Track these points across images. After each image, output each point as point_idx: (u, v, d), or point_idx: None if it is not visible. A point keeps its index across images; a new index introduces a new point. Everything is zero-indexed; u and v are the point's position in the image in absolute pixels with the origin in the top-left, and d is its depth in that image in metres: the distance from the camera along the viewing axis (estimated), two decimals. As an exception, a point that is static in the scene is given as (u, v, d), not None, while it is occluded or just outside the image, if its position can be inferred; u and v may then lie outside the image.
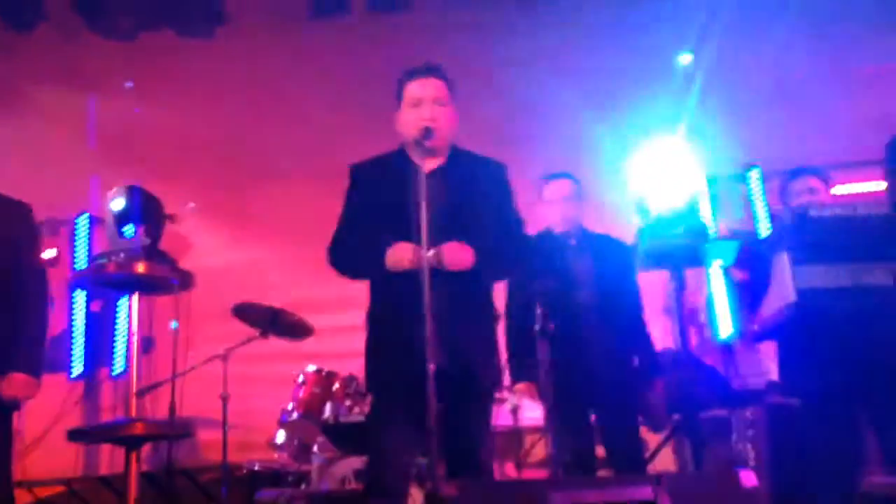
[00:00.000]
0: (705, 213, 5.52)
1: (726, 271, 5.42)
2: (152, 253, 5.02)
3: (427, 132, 2.64)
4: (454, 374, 2.59)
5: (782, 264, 3.71)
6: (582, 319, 3.72)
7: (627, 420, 3.77)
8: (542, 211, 3.89)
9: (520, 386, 3.82)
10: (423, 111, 2.70)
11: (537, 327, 3.57)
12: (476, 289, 2.71)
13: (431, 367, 2.40)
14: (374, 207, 2.74)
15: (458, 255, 2.59)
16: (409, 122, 2.73)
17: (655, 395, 4.00)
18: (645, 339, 3.92)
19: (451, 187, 2.73)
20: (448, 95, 2.77)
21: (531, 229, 3.81)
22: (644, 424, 4.27)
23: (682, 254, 4.98)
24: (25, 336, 3.01)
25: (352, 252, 2.78)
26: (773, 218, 5.46)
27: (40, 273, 3.17)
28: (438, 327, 2.52)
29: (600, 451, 3.85)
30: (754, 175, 5.74)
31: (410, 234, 2.53)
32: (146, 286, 5.11)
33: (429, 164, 2.69)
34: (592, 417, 3.78)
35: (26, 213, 3.22)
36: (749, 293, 5.21)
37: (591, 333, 3.71)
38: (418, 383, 2.43)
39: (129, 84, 6.17)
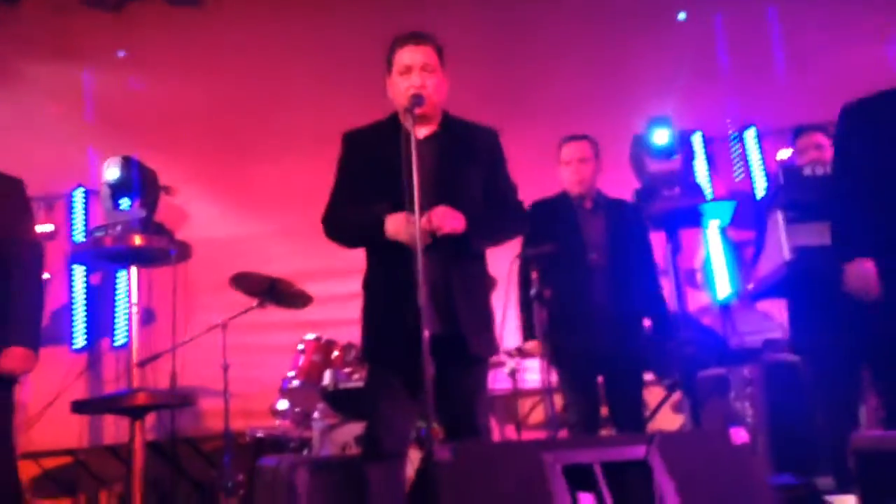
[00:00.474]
0: (701, 174, 5.53)
1: (723, 232, 5.44)
2: (149, 225, 5.00)
3: (416, 99, 2.63)
4: (449, 341, 2.61)
5: (776, 223, 3.73)
6: (591, 281, 3.74)
7: (630, 382, 3.80)
8: (560, 172, 3.89)
9: (529, 344, 3.86)
10: (412, 78, 2.69)
11: (532, 292, 3.62)
12: (469, 255, 2.71)
13: (426, 333, 2.41)
14: (367, 175, 2.74)
15: (447, 219, 2.59)
16: (398, 89, 2.72)
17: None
18: (659, 300, 3.94)
19: (443, 154, 2.73)
20: (438, 62, 2.75)
21: (548, 191, 3.86)
22: (660, 383, 4.33)
23: (678, 214, 5.01)
24: (21, 310, 3.02)
25: (346, 221, 2.78)
26: (768, 178, 5.46)
27: (34, 247, 3.17)
28: (433, 294, 2.54)
29: (605, 410, 3.90)
30: (750, 135, 5.72)
31: (403, 201, 2.53)
32: (144, 258, 5.10)
33: (420, 131, 2.69)
34: (599, 378, 3.82)
35: (18, 187, 3.21)
36: (745, 253, 5.25)
37: (600, 295, 3.73)
38: (414, 350, 2.45)
39: (121, 53, 6.11)
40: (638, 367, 3.85)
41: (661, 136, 4.74)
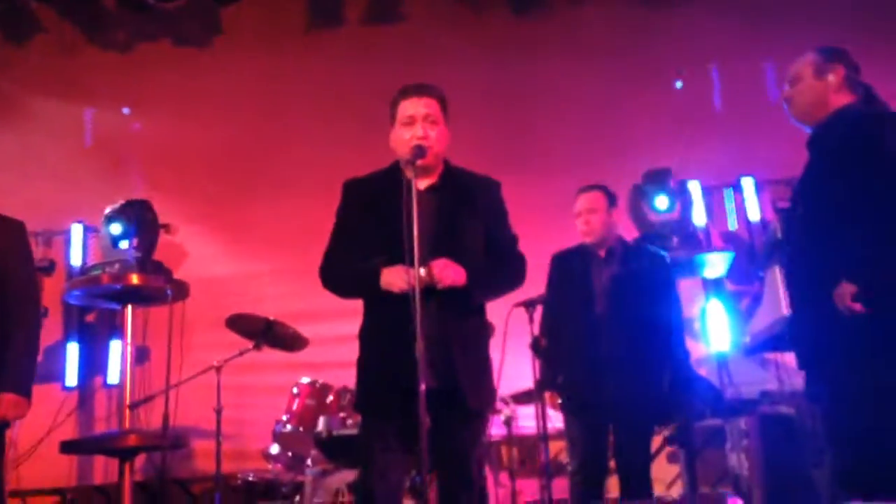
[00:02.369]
0: (699, 223, 5.52)
1: (719, 282, 5.42)
2: (147, 264, 4.99)
3: (419, 150, 2.63)
4: (446, 395, 2.58)
5: (774, 277, 3.71)
6: (598, 331, 3.69)
7: (635, 435, 3.72)
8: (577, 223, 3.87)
9: (546, 394, 3.82)
10: (415, 129, 2.69)
11: (530, 341, 3.59)
12: (469, 307, 2.68)
13: (422, 386, 2.38)
14: (366, 225, 2.73)
15: (448, 272, 2.57)
16: (401, 140, 2.72)
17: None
18: (678, 354, 3.80)
19: (444, 205, 2.72)
20: (441, 113, 2.76)
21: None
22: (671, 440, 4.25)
23: (675, 265, 4.99)
24: (15, 355, 2.99)
25: (343, 272, 2.76)
26: (766, 230, 5.45)
27: (32, 291, 3.15)
28: (431, 347, 2.50)
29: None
30: (748, 184, 5.73)
31: (402, 253, 2.50)
32: (141, 297, 5.09)
33: (421, 182, 2.68)
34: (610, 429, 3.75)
35: (19, 230, 3.20)
36: (742, 304, 5.23)
37: (607, 346, 3.67)
38: (409, 402, 2.41)
39: (126, 110, 6.14)
40: (646, 420, 3.77)
41: (661, 202, 4.73)
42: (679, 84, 5.93)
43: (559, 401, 3.83)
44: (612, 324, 3.68)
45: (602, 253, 3.82)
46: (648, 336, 3.69)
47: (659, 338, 3.73)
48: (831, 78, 2.86)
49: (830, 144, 2.81)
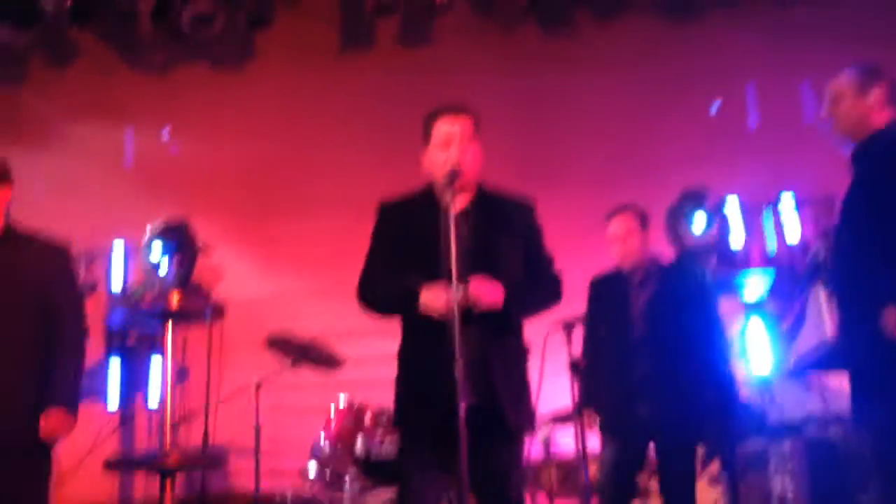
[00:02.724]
0: (738, 242, 5.50)
1: (760, 303, 5.38)
2: (186, 284, 5.08)
3: (455, 175, 2.66)
4: (486, 414, 2.60)
5: (818, 298, 3.70)
6: (635, 355, 3.71)
7: (677, 456, 3.73)
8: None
9: (584, 412, 3.87)
10: (451, 151, 2.73)
11: (569, 362, 3.64)
12: (506, 327, 2.72)
13: (462, 404, 2.41)
14: (403, 246, 2.76)
15: (485, 289, 2.60)
16: (437, 162, 2.74)
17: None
18: (720, 372, 3.81)
19: (480, 227, 2.75)
20: (474, 133, 2.79)
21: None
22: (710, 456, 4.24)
23: (715, 285, 4.97)
24: (61, 374, 3.10)
25: (380, 291, 2.80)
26: (808, 248, 5.42)
27: (78, 314, 3.26)
28: (470, 368, 2.53)
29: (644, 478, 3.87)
30: (787, 201, 5.70)
31: (439, 275, 2.55)
32: (180, 317, 5.17)
33: (457, 204, 2.70)
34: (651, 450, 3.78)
35: (64, 254, 3.32)
36: (784, 325, 5.19)
37: (644, 368, 3.69)
38: (448, 423, 2.44)
39: (165, 133, 6.29)
40: (688, 440, 3.76)
41: (699, 222, 4.72)
42: (715, 108, 5.92)
43: (597, 420, 3.85)
44: (650, 346, 3.69)
45: (639, 275, 3.83)
46: (688, 356, 3.69)
47: (699, 357, 3.72)
48: (874, 95, 2.89)
49: (875, 161, 2.83)
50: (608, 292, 3.84)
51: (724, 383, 3.84)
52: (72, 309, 3.23)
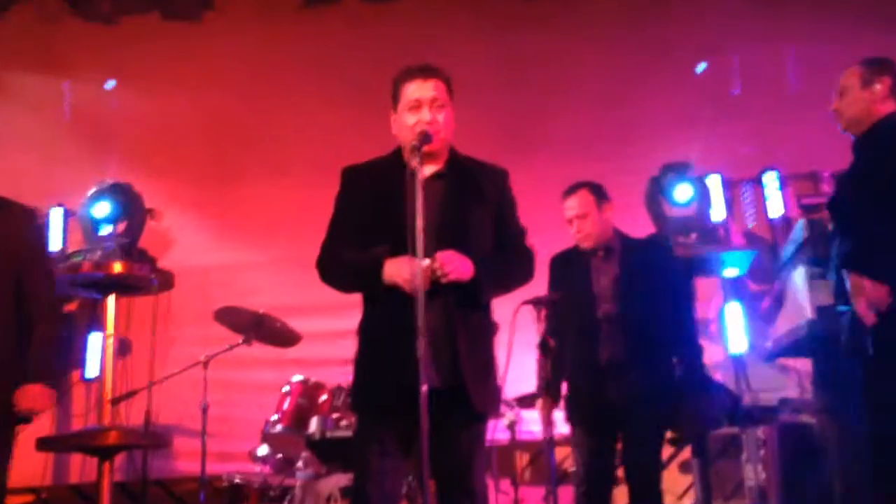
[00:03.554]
0: (719, 219, 5.51)
1: (739, 282, 5.41)
2: (131, 251, 4.98)
3: (425, 137, 2.60)
4: (449, 396, 2.57)
5: (798, 279, 3.70)
6: (601, 335, 3.70)
7: (644, 442, 3.73)
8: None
9: (540, 400, 3.80)
10: (422, 114, 2.68)
11: (538, 341, 3.59)
12: (474, 302, 2.67)
13: (424, 387, 2.37)
14: (367, 215, 2.71)
15: (454, 264, 2.57)
16: (406, 125, 2.70)
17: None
18: (688, 352, 3.85)
19: (451, 194, 2.71)
20: (448, 97, 2.74)
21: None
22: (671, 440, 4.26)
23: (694, 262, 4.99)
24: (36, 347, 3.03)
25: (342, 263, 2.75)
26: (789, 227, 5.44)
27: (49, 280, 3.19)
28: (434, 345, 2.51)
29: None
30: (771, 179, 5.71)
31: (405, 244, 2.49)
32: (124, 286, 5.07)
33: (426, 169, 2.66)
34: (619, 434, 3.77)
35: (32, 218, 3.25)
36: (763, 306, 5.22)
37: (611, 349, 3.68)
38: (408, 403, 2.41)
39: (110, 84, 6.11)
40: (654, 426, 3.76)
41: (683, 192, 4.71)
42: (701, 67, 5.90)
43: (553, 405, 3.82)
44: (615, 327, 3.69)
45: (601, 254, 3.81)
46: (655, 336, 3.70)
47: (666, 336, 3.74)
48: (877, 88, 3.07)
49: (874, 151, 2.98)
50: (569, 271, 3.80)
51: (693, 366, 3.86)
52: (45, 276, 3.16)
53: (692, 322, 3.91)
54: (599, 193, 3.83)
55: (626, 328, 3.68)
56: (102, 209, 5.27)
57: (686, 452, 4.95)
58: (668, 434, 4.24)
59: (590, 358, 3.68)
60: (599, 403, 3.67)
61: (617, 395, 3.64)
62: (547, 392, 3.68)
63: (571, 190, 3.84)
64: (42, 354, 3.05)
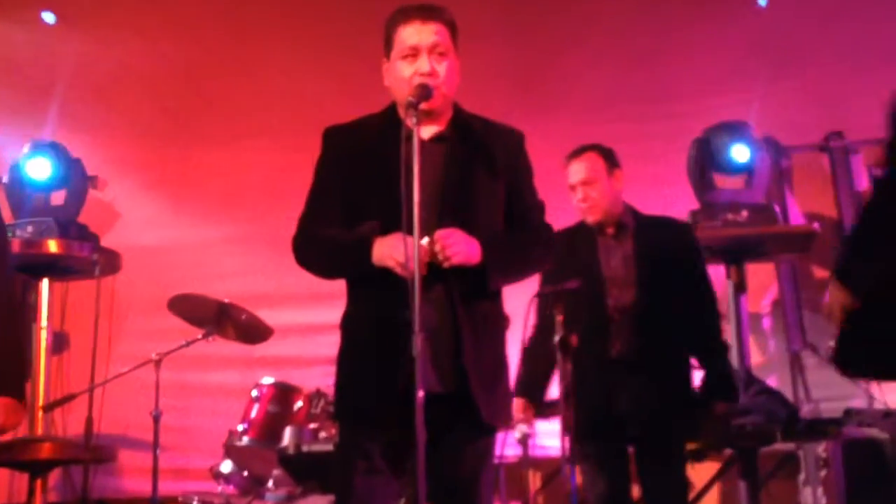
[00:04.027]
0: (774, 193, 5.50)
1: (799, 268, 5.41)
2: (69, 227, 4.97)
3: (424, 90, 2.58)
4: (452, 403, 2.57)
5: (872, 265, 3.69)
6: (612, 328, 3.72)
7: (666, 457, 3.76)
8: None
9: (516, 401, 3.83)
10: (419, 64, 2.66)
11: (556, 339, 3.58)
12: (481, 290, 2.66)
13: (420, 393, 2.36)
14: (353, 185, 2.70)
15: (458, 246, 2.56)
16: (401, 77, 2.68)
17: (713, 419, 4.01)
18: (714, 348, 3.88)
19: (455, 159, 2.70)
20: (451, 43, 2.73)
21: (568, 220, 3.82)
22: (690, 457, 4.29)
23: (744, 244, 4.98)
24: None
25: (323, 243, 2.74)
26: (860, 202, 5.44)
27: (9, 278, 3.15)
28: (435, 342, 2.51)
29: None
30: (838, 145, 5.70)
31: (399, 221, 2.47)
32: (60, 269, 5.11)
33: (426, 130, 2.65)
34: (630, 449, 3.80)
35: None
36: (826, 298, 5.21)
37: (624, 345, 3.71)
38: (401, 413, 2.41)
39: (48, 16, 6.08)
40: (677, 438, 3.81)
41: (740, 153, 4.70)
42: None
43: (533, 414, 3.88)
44: (631, 318, 3.71)
45: (610, 230, 3.83)
46: (674, 331, 3.74)
47: (686, 333, 3.78)
48: None
49: None
50: (573, 252, 3.79)
51: (716, 358, 3.87)
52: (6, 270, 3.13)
53: (717, 317, 3.93)
54: (610, 158, 3.86)
55: (640, 321, 3.70)
56: (34, 175, 5.25)
57: (732, 473, 4.98)
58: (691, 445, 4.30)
59: (598, 356, 3.67)
60: (609, 412, 3.68)
61: (629, 402, 3.66)
62: (566, 402, 3.68)
63: (577, 152, 3.87)
64: (7, 365, 3.03)
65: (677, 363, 3.81)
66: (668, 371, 3.76)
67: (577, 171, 3.82)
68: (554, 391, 4.12)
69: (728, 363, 3.98)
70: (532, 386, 3.89)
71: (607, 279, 3.76)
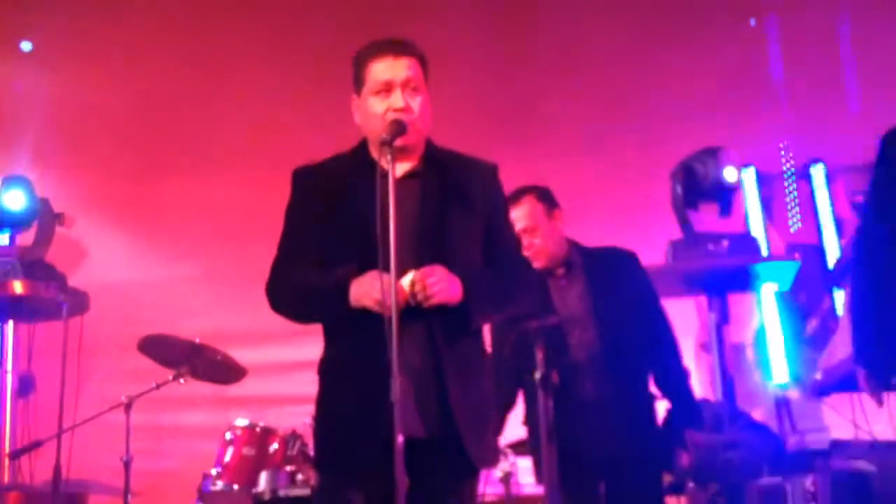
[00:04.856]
0: (755, 223, 5.53)
1: (782, 298, 5.43)
2: (35, 267, 4.93)
3: (398, 126, 2.57)
4: (436, 447, 2.55)
5: (855, 297, 3.71)
6: (576, 366, 3.69)
7: (641, 491, 3.73)
8: None
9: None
10: (393, 99, 2.64)
11: (538, 375, 3.57)
12: (463, 329, 2.64)
13: (400, 438, 2.34)
14: (327, 227, 2.68)
15: (439, 285, 2.54)
16: (373, 113, 2.66)
17: (687, 458, 3.99)
18: (677, 379, 3.88)
19: (430, 197, 2.69)
20: (423, 78, 2.72)
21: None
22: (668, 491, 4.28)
23: (726, 275, 4.99)
24: None
25: (298, 287, 2.71)
26: (841, 231, 5.48)
27: None
28: (415, 385, 2.50)
29: None
30: (818, 173, 5.74)
31: (375, 262, 2.46)
32: (26, 311, 5.08)
33: (399, 167, 2.62)
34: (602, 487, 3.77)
35: None
36: (809, 328, 5.23)
37: (588, 382, 3.70)
38: (383, 459, 2.38)
39: (26, 45, 6.06)
40: (651, 471, 3.78)
41: (721, 181, 4.74)
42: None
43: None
44: (593, 354, 3.71)
45: (560, 271, 3.82)
46: (639, 363, 3.75)
47: (647, 361, 3.80)
48: None
49: None
50: None
51: (680, 385, 3.86)
52: None
53: (675, 343, 3.90)
54: (548, 199, 3.86)
55: (608, 359, 3.70)
56: (10, 206, 5.22)
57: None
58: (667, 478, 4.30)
59: (566, 395, 3.62)
60: (583, 448, 3.63)
61: (602, 440, 3.64)
62: (549, 439, 3.66)
63: (514, 198, 3.78)
64: None
65: (644, 397, 3.81)
66: (638, 406, 3.76)
67: (519, 218, 3.76)
68: (520, 429, 4.14)
69: (691, 389, 3.97)
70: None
71: (566, 320, 3.73)
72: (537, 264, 3.77)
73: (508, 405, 3.86)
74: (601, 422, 3.66)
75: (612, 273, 3.83)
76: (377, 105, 2.66)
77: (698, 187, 4.90)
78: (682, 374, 3.90)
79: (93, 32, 6.08)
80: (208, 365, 4.49)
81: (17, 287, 4.83)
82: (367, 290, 2.53)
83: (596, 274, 3.81)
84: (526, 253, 3.73)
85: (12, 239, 5.27)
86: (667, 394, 3.87)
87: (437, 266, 2.55)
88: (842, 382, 4.07)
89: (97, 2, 6.16)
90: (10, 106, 6.02)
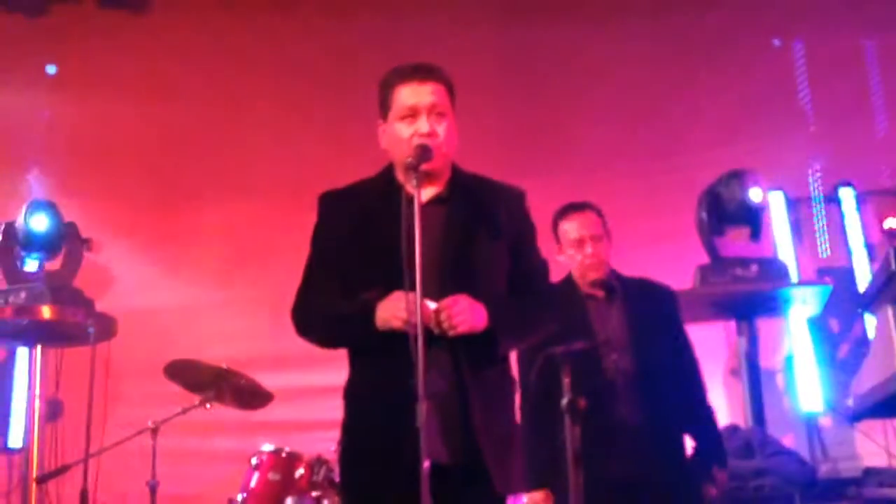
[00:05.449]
0: (784, 247, 5.50)
1: (813, 323, 5.40)
2: (63, 292, 4.95)
3: (424, 151, 2.58)
4: (460, 474, 2.55)
5: (887, 321, 3.67)
6: (613, 392, 3.67)
7: None
8: (563, 254, 3.83)
9: (535, 496, 3.65)
10: (419, 124, 2.66)
11: (564, 402, 3.54)
12: (489, 355, 2.65)
13: (426, 464, 2.34)
14: (353, 252, 2.70)
15: (464, 314, 2.55)
16: (399, 138, 2.68)
17: (715, 491, 3.96)
18: (704, 416, 3.88)
19: (456, 222, 2.70)
20: (449, 103, 2.74)
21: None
22: None
23: (755, 300, 4.97)
24: None
25: (325, 314, 2.73)
26: (872, 255, 5.45)
27: None
28: (441, 410, 2.50)
29: None
30: (847, 195, 5.72)
31: (402, 285, 2.47)
32: (54, 335, 5.08)
33: (425, 192, 2.64)
34: None
35: None
36: (841, 353, 5.20)
37: (626, 409, 3.67)
38: (408, 484, 2.37)
39: (51, 69, 6.13)
40: (684, 496, 3.74)
41: (749, 204, 4.73)
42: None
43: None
44: (630, 381, 3.68)
45: (600, 293, 3.81)
46: (671, 394, 3.72)
47: (680, 397, 3.77)
48: None
49: None
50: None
51: (707, 419, 3.87)
52: None
53: (701, 382, 3.90)
54: (604, 218, 3.88)
55: (644, 386, 3.68)
56: (27, 239, 5.26)
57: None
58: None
59: (601, 421, 3.60)
60: (618, 477, 3.58)
61: (637, 468, 3.60)
62: (575, 467, 3.63)
63: (578, 207, 3.84)
64: None
65: (676, 426, 3.80)
66: (670, 434, 3.74)
67: (585, 224, 3.79)
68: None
69: (717, 427, 3.97)
70: (551, 472, 3.56)
71: (604, 342, 3.69)
72: (594, 274, 3.78)
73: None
74: (633, 446, 3.62)
75: (649, 303, 3.82)
76: (403, 130, 2.68)
77: (724, 211, 4.90)
78: (709, 412, 3.89)
79: (119, 61, 6.16)
80: (234, 390, 4.50)
81: (46, 312, 4.86)
82: (393, 310, 2.54)
83: (634, 301, 3.80)
84: (587, 262, 3.77)
85: (41, 264, 5.31)
86: (693, 430, 3.85)
87: (461, 296, 2.56)
88: (875, 408, 4.04)
89: (124, 31, 6.23)
90: (37, 132, 6.09)
